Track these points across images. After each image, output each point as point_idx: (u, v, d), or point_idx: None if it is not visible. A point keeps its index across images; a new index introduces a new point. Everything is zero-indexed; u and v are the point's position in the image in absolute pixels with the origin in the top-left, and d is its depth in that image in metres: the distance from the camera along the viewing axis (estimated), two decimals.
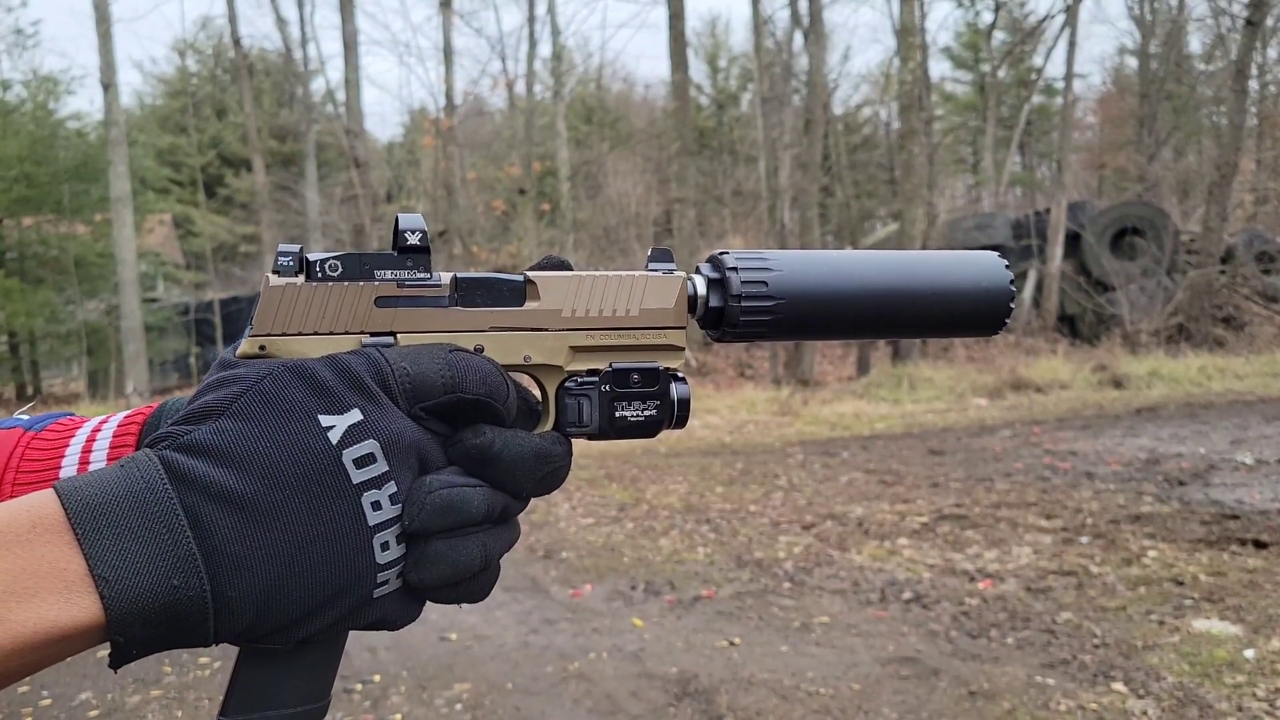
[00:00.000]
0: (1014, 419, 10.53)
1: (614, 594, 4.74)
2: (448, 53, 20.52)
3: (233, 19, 20.52)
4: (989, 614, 4.22)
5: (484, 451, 0.57)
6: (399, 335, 0.59)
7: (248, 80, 21.70)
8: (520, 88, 23.78)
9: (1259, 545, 4.95)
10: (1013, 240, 17.69)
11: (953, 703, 3.32)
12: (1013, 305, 0.71)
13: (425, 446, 0.55)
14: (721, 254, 0.68)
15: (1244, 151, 19.29)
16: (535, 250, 19.33)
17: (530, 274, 0.64)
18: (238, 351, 0.57)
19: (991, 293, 0.70)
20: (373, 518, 0.52)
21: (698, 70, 34.19)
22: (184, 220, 27.53)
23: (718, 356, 17.39)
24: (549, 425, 0.63)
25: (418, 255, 0.60)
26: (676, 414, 0.65)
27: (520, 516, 0.62)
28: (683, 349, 0.66)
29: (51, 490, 0.48)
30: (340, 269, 0.59)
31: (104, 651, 0.50)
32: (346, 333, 0.59)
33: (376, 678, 3.72)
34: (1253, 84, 21.32)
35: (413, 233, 0.60)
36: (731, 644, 3.97)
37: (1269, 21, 18.95)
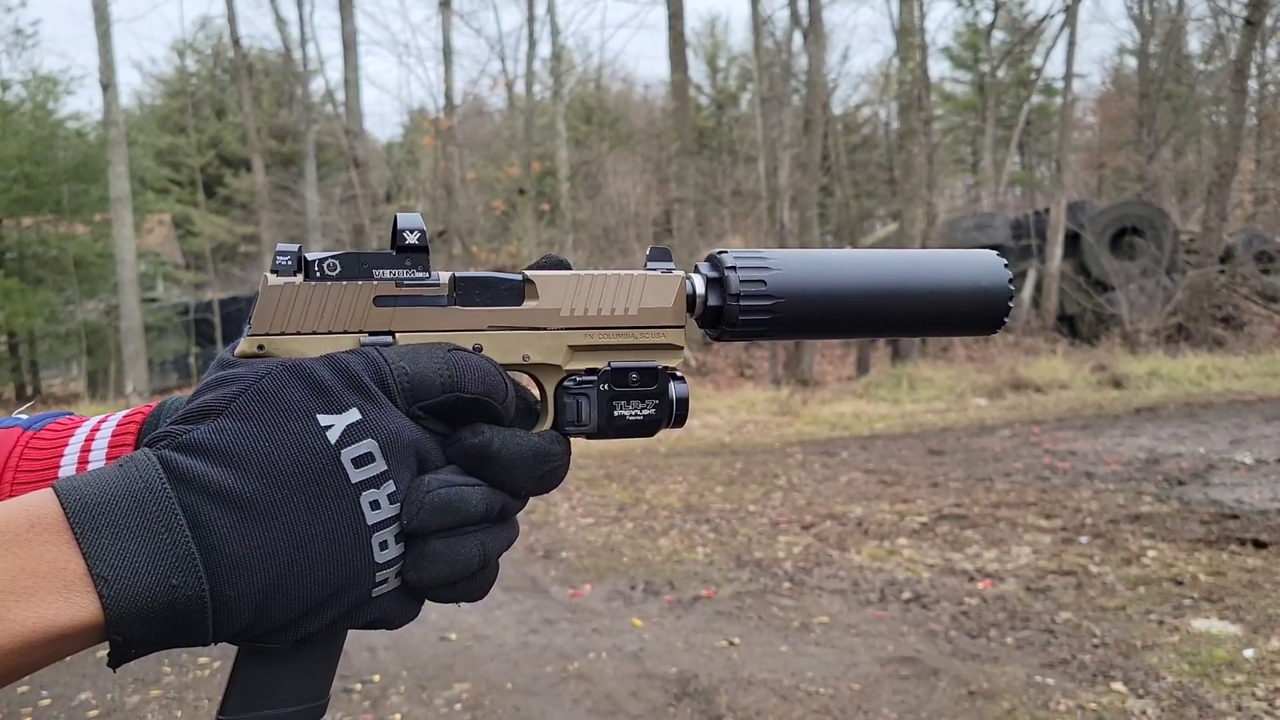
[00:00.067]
0: (1014, 419, 10.54)
1: (614, 594, 4.74)
2: (447, 53, 20.54)
3: (232, 19, 20.53)
4: (988, 614, 4.22)
5: (482, 450, 0.57)
6: (397, 334, 0.59)
7: (247, 80, 21.70)
8: (520, 88, 23.80)
9: (1258, 545, 4.95)
10: (1012, 240, 17.69)
11: (952, 702, 3.32)
12: (1011, 304, 0.71)
13: (424, 446, 0.55)
14: (720, 253, 0.68)
15: (1243, 151, 19.31)
16: (535, 250, 19.34)
17: (529, 273, 0.64)
18: (236, 351, 0.57)
19: (990, 292, 0.70)
20: (371, 517, 0.52)
21: (697, 70, 34.22)
22: (183, 220, 27.52)
23: (717, 356, 17.40)
24: (547, 424, 0.63)
25: (416, 254, 0.60)
26: (675, 413, 0.65)
27: (519, 516, 0.62)
28: (681, 348, 0.66)
29: (50, 490, 0.48)
30: (339, 268, 0.59)
31: (103, 651, 0.50)
32: (345, 332, 0.59)
33: (376, 678, 3.72)
34: (1252, 84, 21.34)
35: (411, 232, 0.60)
36: (731, 644, 3.97)
37: (1268, 21, 18.95)
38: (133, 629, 0.47)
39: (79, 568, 0.46)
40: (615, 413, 0.64)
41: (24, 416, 0.71)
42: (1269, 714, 3.11)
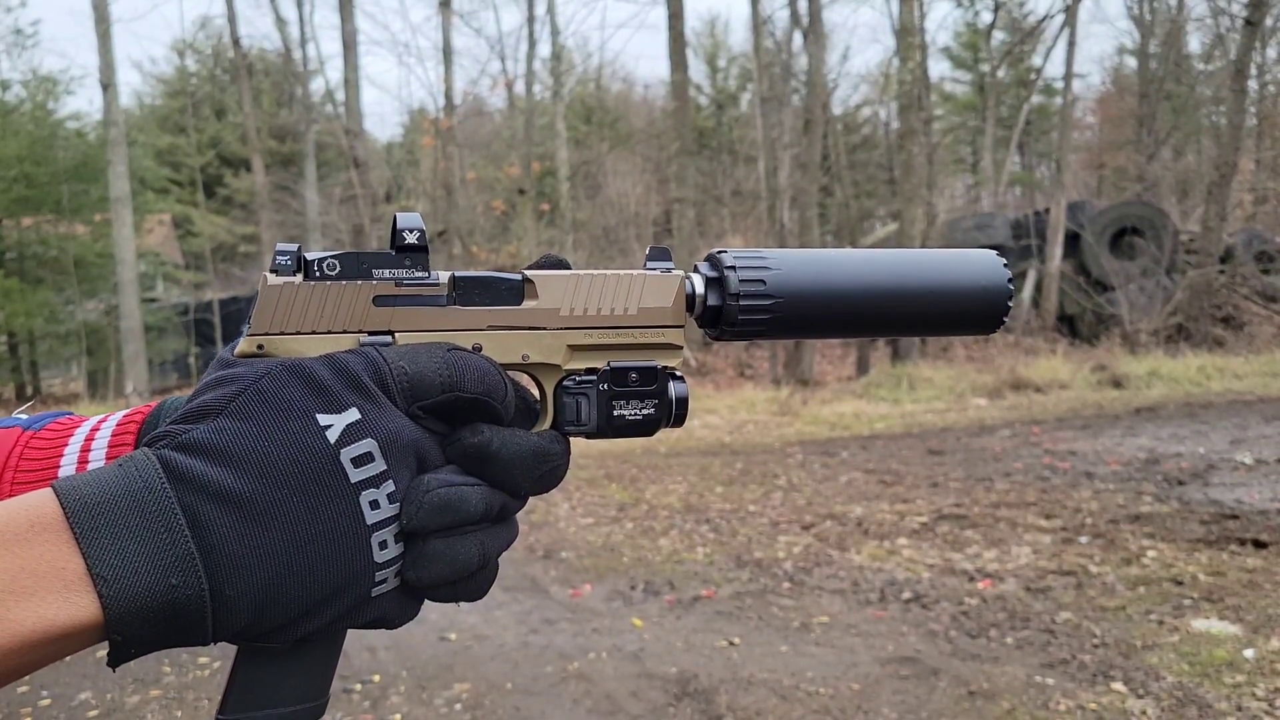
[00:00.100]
0: (1013, 419, 10.54)
1: (613, 594, 4.74)
2: (447, 53, 20.55)
3: (232, 19, 20.54)
4: (988, 614, 4.22)
5: (482, 450, 0.57)
6: (397, 334, 0.59)
7: (247, 80, 21.70)
8: (520, 88, 23.81)
9: (1258, 545, 4.95)
10: (1012, 240, 17.69)
11: (952, 703, 3.32)
12: (1010, 303, 0.71)
13: (423, 445, 0.55)
14: (719, 252, 0.68)
15: (1243, 151, 19.31)
16: (535, 250, 19.35)
17: (528, 273, 0.64)
18: (236, 350, 0.57)
19: (989, 291, 0.70)
20: (370, 516, 0.52)
21: (697, 70, 34.21)
22: (183, 220, 27.51)
23: (717, 356, 17.40)
24: (547, 424, 0.64)
25: (415, 254, 0.60)
26: (674, 413, 0.65)
27: (519, 516, 0.62)
28: (681, 348, 0.66)
29: (50, 489, 0.48)
30: (338, 268, 0.59)
31: (103, 651, 0.50)
32: (344, 331, 0.59)
33: (376, 678, 3.72)
34: (1252, 84, 21.34)
35: (410, 232, 0.60)
36: (731, 644, 3.97)
37: (1268, 21, 18.96)
38: (132, 628, 0.47)
39: (78, 567, 0.46)
40: (615, 412, 0.64)
41: (24, 416, 0.71)
42: (1269, 714, 3.11)
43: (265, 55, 30.04)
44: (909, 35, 17.27)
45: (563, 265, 0.65)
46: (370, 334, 0.59)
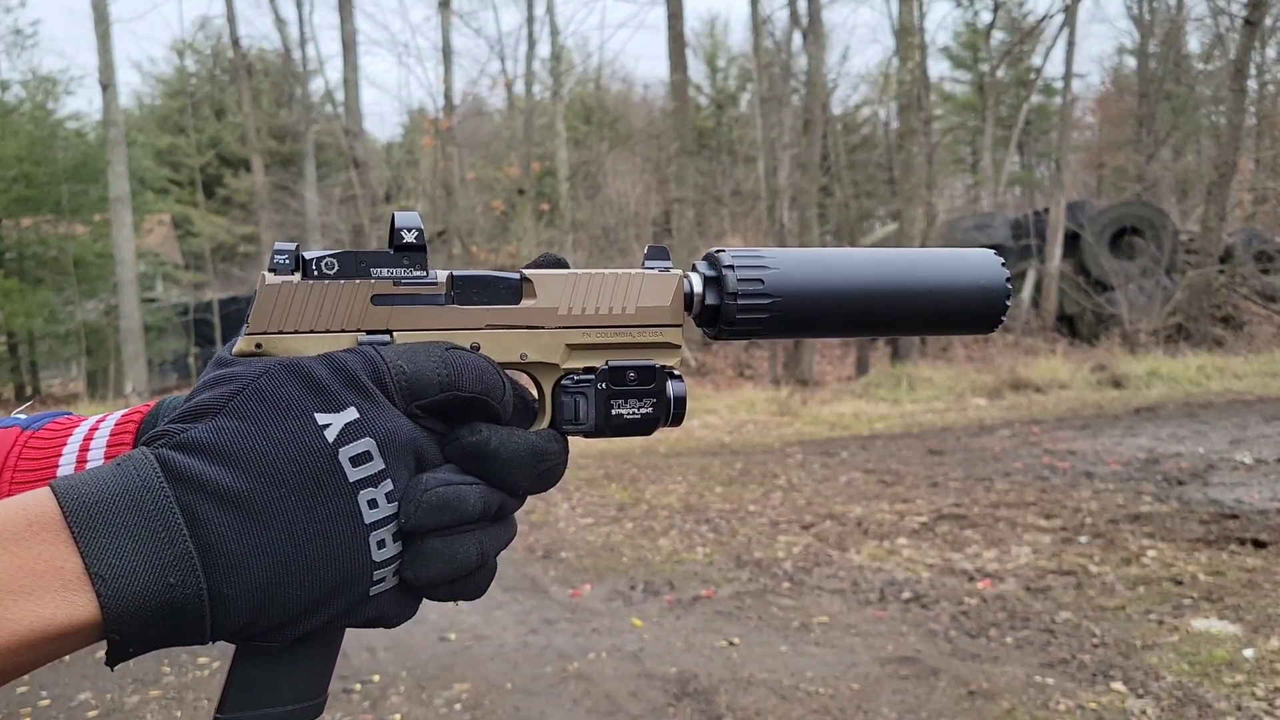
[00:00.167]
0: (1013, 419, 10.54)
1: (613, 594, 4.74)
2: (447, 53, 20.55)
3: (231, 19, 20.55)
4: (988, 614, 4.22)
5: (480, 449, 0.57)
6: (395, 333, 0.59)
7: (246, 80, 21.70)
8: (519, 88, 23.81)
9: (1258, 545, 4.95)
10: (1012, 240, 17.69)
11: (952, 702, 3.32)
12: (1009, 303, 0.71)
13: (422, 444, 0.55)
14: (718, 251, 0.67)
15: (1243, 151, 19.31)
16: (534, 250, 19.35)
17: (527, 272, 0.64)
18: (234, 349, 0.57)
19: (988, 290, 0.70)
20: (369, 515, 0.52)
21: (696, 70, 34.19)
22: (183, 220, 27.50)
23: (717, 356, 17.40)
24: (545, 423, 0.64)
25: (414, 253, 0.60)
26: (673, 412, 0.65)
27: (518, 515, 0.62)
28: (679, 347, 0.66)
29: (48, 489, 0.48)
30: (336, 267, 0.59)
31: (102, 651, 0.50)
32: (343, 331, 0.59)
33: (375, 678, 3.72)
34: (1251, 84, 21.34)
35: (409, 231, 0.60)
36: (731, 644, 3.97)
37: (1268, 21, 18.96)
38: (130, 628, 0.47)
39: (76, 566, 0.46)
40: (613, 411, 0.64)
41: (22, 416, 0.71)
42: (1269, 714, 3.11)
43: (265, 55, 30.08)
44: (908, 35, 17.28)
45: (561, 264, 0.65)
46: (368, 333, 0.59)
